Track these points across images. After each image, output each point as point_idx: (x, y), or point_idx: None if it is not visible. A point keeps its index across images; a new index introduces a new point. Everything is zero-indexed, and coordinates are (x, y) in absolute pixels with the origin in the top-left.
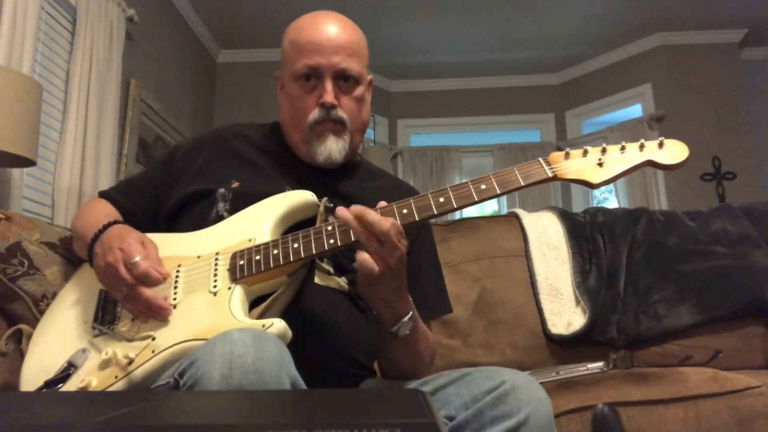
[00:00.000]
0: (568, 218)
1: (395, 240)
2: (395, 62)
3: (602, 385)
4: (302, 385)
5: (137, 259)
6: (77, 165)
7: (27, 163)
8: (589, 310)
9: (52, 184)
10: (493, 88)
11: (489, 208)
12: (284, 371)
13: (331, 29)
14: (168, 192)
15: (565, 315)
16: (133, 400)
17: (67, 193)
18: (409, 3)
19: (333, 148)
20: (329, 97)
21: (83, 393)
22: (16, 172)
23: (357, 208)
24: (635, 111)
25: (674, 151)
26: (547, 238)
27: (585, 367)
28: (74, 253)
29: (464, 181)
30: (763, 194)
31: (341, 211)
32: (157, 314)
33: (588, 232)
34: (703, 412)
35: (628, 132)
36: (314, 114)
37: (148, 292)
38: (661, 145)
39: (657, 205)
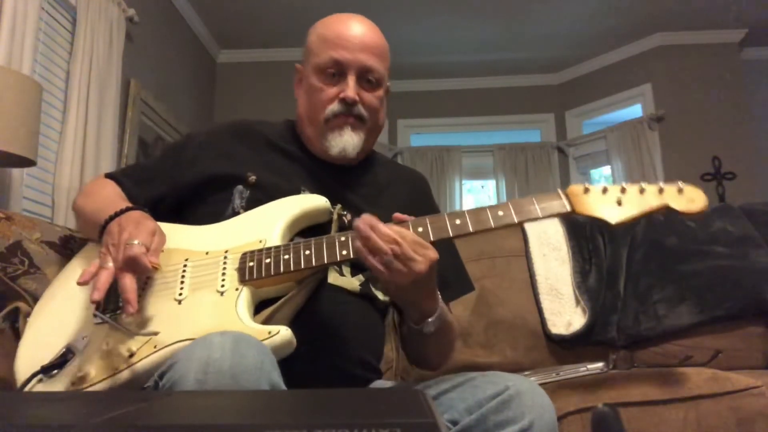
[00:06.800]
0: (568, 218)
1: (410, 252)
2: (395, 62)
3: (602, 385)
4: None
5: (135, 242)
6: (77, 165)
7: (27, 163)
8: (589, 310)
9: (52, 184)
10: (493, 88)
11: None
12: (264, 377)
13: (359, 28)
14: (181, 178)
15: (565, 315)
16: (133, 400)
17: (67, 193)
18: (409, 3)
19: (349, 142)
20: (351, 92)
21: (83, 393)
22: (16, 172)
23: (365, 230)
24: (635, 111)
25: (693, 198)
26: (547, 238)
27: (585, 368)
28: (71, 247)
29: (464, 181)
30: (763, 194)
31: (356, 247)
32: (124, 305)
33: (588, 232)
34: (703, 413)
35: (628, 132)
36: (333, 107)
37: (126, 280)
38: (680, 191)
39: None
